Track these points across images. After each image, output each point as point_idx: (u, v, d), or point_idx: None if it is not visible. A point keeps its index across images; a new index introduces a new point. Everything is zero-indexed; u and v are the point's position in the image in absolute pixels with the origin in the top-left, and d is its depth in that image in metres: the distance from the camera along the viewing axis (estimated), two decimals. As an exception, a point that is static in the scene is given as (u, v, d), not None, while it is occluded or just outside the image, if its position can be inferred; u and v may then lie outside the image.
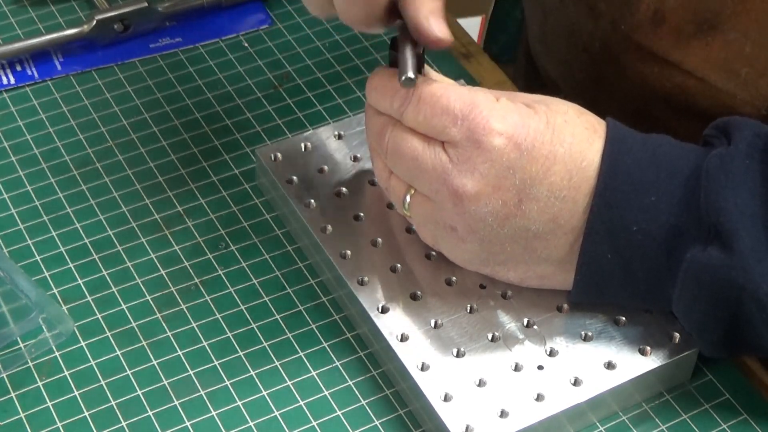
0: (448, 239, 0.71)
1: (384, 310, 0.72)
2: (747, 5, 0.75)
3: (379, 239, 0.76)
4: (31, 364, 0.72)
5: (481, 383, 0.69)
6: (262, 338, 0.74)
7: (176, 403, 0.71)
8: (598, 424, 0.71)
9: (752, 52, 0.76)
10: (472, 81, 0.89)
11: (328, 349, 0.74)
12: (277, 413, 0.71)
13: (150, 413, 0.70)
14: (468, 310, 0.73)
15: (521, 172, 0.68)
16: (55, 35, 0.90)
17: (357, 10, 0.69)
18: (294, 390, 0.72)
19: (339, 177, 0.79)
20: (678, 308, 0.69)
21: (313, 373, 0.72)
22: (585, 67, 0.88)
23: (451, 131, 0.68)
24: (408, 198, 0.72)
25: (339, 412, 0.71)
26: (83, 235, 0.79)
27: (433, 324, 0.72)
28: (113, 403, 0.71)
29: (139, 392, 0.71)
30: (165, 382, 0.72)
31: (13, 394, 0.71)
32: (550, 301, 0.73)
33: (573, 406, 0.69)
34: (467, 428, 0.67)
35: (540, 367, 0.70)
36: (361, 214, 0.77)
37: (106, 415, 0.70)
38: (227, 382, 0.72)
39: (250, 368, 0.72)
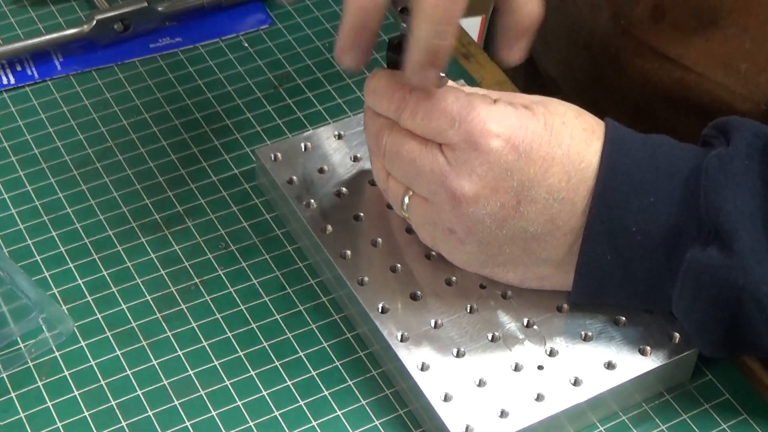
0: (447, 241, 0.71)
1: (384, 310, 0.72)
2: (747, 1, 0.75)
3: (379, 239, 0.76)
4: (31, 364, 0.72)
5: (481, 383, 0.69)
6: (262, 338, 0.74)
7: (176, 403, 0.71)
8: (598, 424, 0.71)
9: (752, 47, 0.76)
10: (472, 81, 0.89)
11: (328, 349, 0.74)
12: (277, 413, 0.71)
13: (150, 413, 0.70)
14: (468, 310, 0.73)
15: (519, 174, 0.68)
16: (55, 35, 0.90)
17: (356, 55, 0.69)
18: (294, 390, 0.72)
19: (339, 177, 0.79)
20: (678, 308, 0.69)
21: (313, 373, 0.72)
22: (585, 65, 0.88)
23: (449, 134, 0.68)
24: (406, 199, 0.72)
25: (339, 412, 0.71)
26: (83, 235, 0.79)
27: (433, 324, 0.72)
28: (113, 403, 0.71)
29: (139, 392, 0.71)
30: (165, 382, 0.72)
31: (13, 394, 0.71)
32: (550, 301, 0.73)
33: (573, 406, 0.69)
34: (467, 428, 0.67)
35: (540, 367, 0.70)
36: (361, 214, 0.77)
37: (106, 415, 0.70)
38: (227, 382, 0.72)
39: (250, 368, 0.72)
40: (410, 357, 0.70)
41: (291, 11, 0.94)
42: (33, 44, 0.89)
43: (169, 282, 0.77)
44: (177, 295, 0.76)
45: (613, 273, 0.69)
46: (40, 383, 0.72)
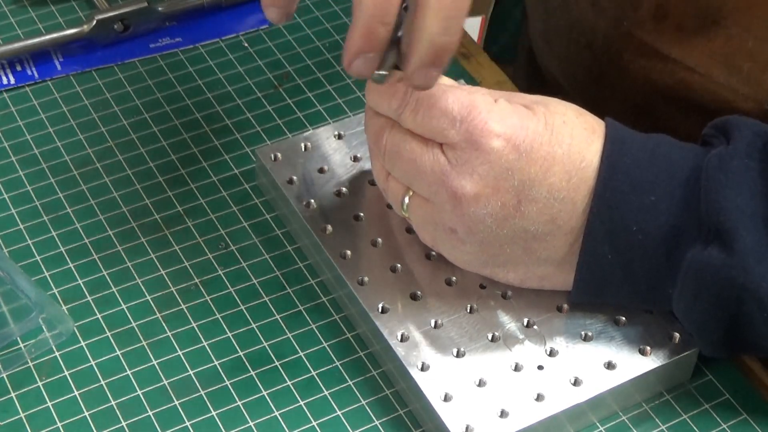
0: (448, 241, 0.71)
1: (384, 310, 0.72)
2: (749, 0, 0.75)
3: (379, 239, 0.76)
4: (31, 364, 0.72)
5: (481, 383, 0.69)
6: (262, 338, 0.74)
7: (176, 403, 0.71)
8: (598, 424, 0.71)
9: (755, 47, 0.76)
10: (472, 81, 0.89)
11: (328, 349, 0.74)
12: (277, 413, 0.71)
13: (150, 413, 0.70)
14: (468, 310, 0.73)
15: (520, 173, 0.68)
16: (55, 35, 0.90)
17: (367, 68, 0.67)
18: (294, 390, 0.72)
19: (339, 177, 0.79)
20: (678, 308, 0.69)
21: (313, 373, 0.72)
22: (587, 65, 0.88)
23: (450, 133, 0.68)
24: (406, 199, 0.72)
25: (339, 412, 0.71)
26: (83, 235, 0.79)
27: (433, 324, 0.72)
28: (113, 403, 0.71)
29: (139, 392, 0.71)
30: (165, 382, 0.72)
31: (13, 394, 0.71)
32: (550, 301, 0.73)
33: (573, 406, 0.69)
34: (467, 428, 0.67)
35: (540, 367, 0.70)
36: (361, 214, 0.77)
37: (106, 415, 0.70)
38: (227, 382, 0.72)
39: (250, 368, 0.72)
40: (410, 357, 0.70)
41: (291, 11, 0.94)
42: (33, 44, 0.89)
43: (169, 282, 0.77)
44: (177, 295, 0.76)
45: (614, 272, 0.69)
46: (40, 383, 0.72)
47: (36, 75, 0.89)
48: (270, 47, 0.92)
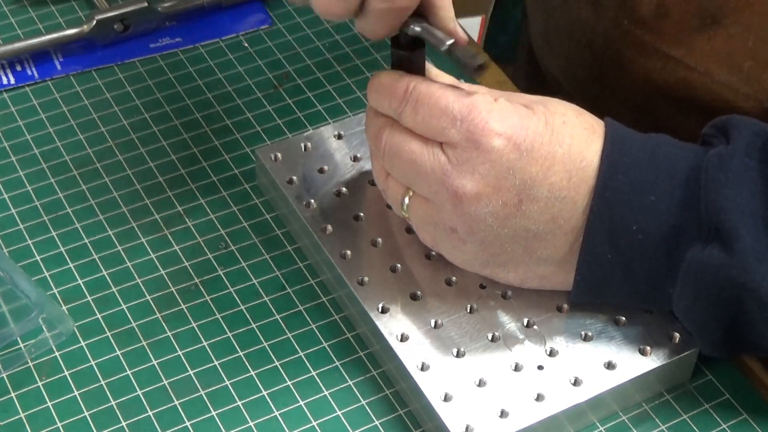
0: (449, 240, 0.71)
1: (384, 310, 0.72)
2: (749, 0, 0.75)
3: (379, 239, 0.76)
4: (31, 364, 0.72)
5: (481, 383, 0.69)
6: (262, 338, 0.74)
7: (176, 403, 0.71)
8: (598, 424, 0.71)
9: (755, 45, 0.76)
10: (472, 81, 0.89)
11: (328, 349, 0.74)
12: (277, 413, 0.71)
13: (150, 413, 0.70)
14: (468, 310, 0.73)
15: (521, 172, 0.68)
16: (55, 35, 0.90)
17: (385, 24, 0.69)
18: (294, 390, 0.72)
19: (339, 177, 0.79)
20: (678, 308, 0.69)
21: (313, 373, 0.72)
22: (588, 64, 0.88)
23: (450, 132, 0.68)
24: (406, 200, 0.72)
25: (339, 412, 0.71)
26: (83, 235, 0.79)
27: (433, 324, 0.72)
28: (113, 403, 0.71)
29: (139, 392, 0.71)
30: (165, 382, 0.72)
31: (13, 394, 0.71)
32: (550, 301, 0.73)
33: (573, 406, 0.69)
34: (467, 428, 0.67)
35: (540, 367, 0.70)
36: (361, 214, 0.77)
37: (106, 415, 0.70)
38: (227, 382, 0.72)
39: (250, 368, 0.72)
40: (410, 357, 0.70)
41: (291, 11, 0.94)
42: (33, 44, 0.89)
43: (169, 282, 0.77)
44: (177, 295, 0.76)
45: (614, 272, 0.69)
46: (40, 383, 0.72)
47: (36, 75, 0.89)
48: (270, 47, 0.92)
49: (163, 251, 0.78)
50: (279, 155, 0.80)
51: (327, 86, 0.89)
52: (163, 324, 0.74)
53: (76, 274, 0.77)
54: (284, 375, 0.72)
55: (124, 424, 0.70)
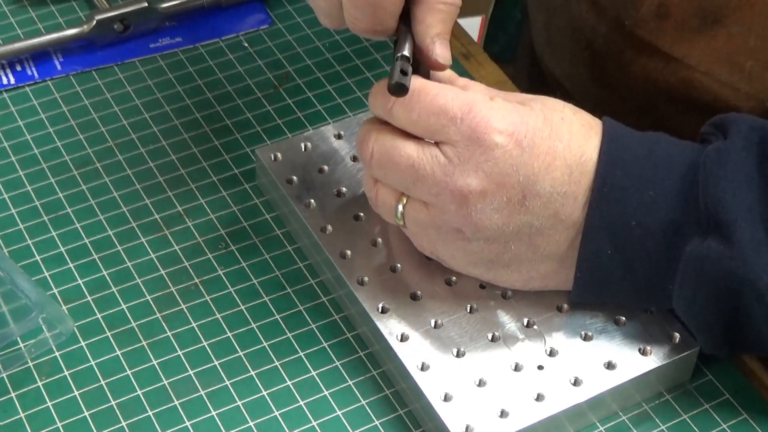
0: (453, 242, 0.71)
1: (384, 310, 0.72)
2: None
3: (379, 239, 0.76)
4: (31, 364, 0.72)
5: (481, 383, 0.69)
6: (262, 338, 0.74)
7: (176, 403, 0.71)
8: (598, 424, 0.71)
9: (756, 45, 0.76)
10: (470, 77, 0.88)
11: (328, 349, 0.74)
12: (277, 413, 0.71)
13: (150, 413, 0.70)
14: (468, 310, 0.73)
15: (524, 168, 0.68)
16: (55, 35, 0.90)
17: (366, 20, 0.69)
18: (294, 390, 0.72)
19: (339, 177, 0.79)
20: (678, 304, 0.69)
21: (313, 373, 0.72)
22: (589, 65, 0.88)
23: (450, 131, 0.68)
24: (400, 207, 0.72)
25: (339, 412, 0.71)
26: (83, 235, 0.79)
27: (433, 324, 0.72)
28: (113, 403, 0.71)
29: (139, 392, 0.71)
30: (165, 382, 0.72)
31: (13, 394, 0.71)
32: (550, 301, 0.73)
33: (573, 406, 0.69)
34: (467, 428, 0.67)
35: (540, 367, 0.70)
36: (361, 214, 0.77)
37: (106, 415, 0.70)
38: (227, 382, 0.72)
39: (250, 368, 0.72)
40: (410, 357, 0.70)
41: (291, 11, 0.94)
42: (33, 44, 0.89)
43: (169, 282, 0.77)
44: (177, 295, 0.76)
45: (614, 269, 0.69)
46: (40, 383, 0.72)
47: (36, 75, 0.89)
48: (270, 47, 0.92)
49: (163, 251, 0.78)
50: (279, 155, 0.80)
51: (327, 86, 0.89)
52: (163, 324, 0.74)
53: (76, 274, 0.77)
54: (284, 375, 0.72)
55: (124, 424, 0.70)
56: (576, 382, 0.69)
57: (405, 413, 0.71)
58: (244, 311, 0.75)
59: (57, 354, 0.73)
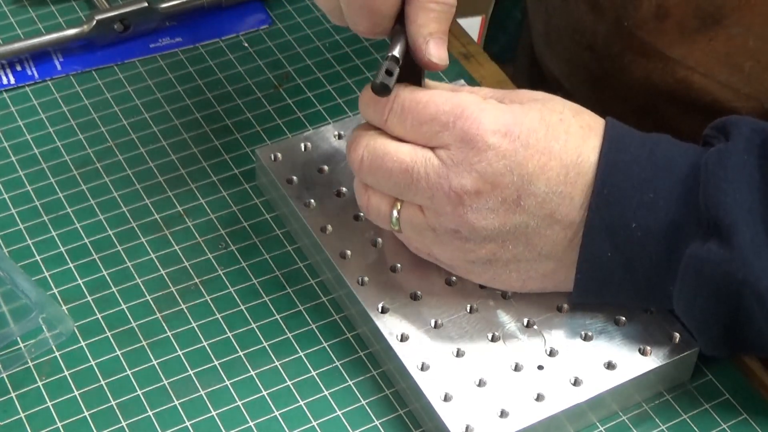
0: (449, 243, 0.71)
1: (384, 310, 0.72)
2: (749, 0, 0.75)
3: (379, 239, 0.76)
4: (31, 364, 0.72)
5: (481, 383, 0.69)
6: (262, 338, 0.74)
7: (176, 403, 0.71)
8: (598, 424, 0.71)
9: (756, 45, 0.76)
10: (472, 81, 0.89)
11: (328, 349, 0.74)
12: (277, 413, 0.71)
13: (150, 413, 0.70)
14: (468, 310, 0.73)
15: (519, 168, 0.68)
16: (55, 35, 0.90)
17: (364, 23, 0.69)
18: (294, 390, 0.72)
19: (339, 177, 0.79)
20: (678, 305, 0.69)
21: (313, 373, 0.72)
22: (588, 65, 0.88)
23: (443, 135, 0.68)
24: (395, 213, 0.72)
25: (339, 412, 0.71)
26: (83, 235, 0.79)
27: (433, 324, 0.72)
28: (113, 403, 0.71)
29: (139, 392, 0.71)
30: (165, 382, 0.72)
31: (13, 394, 0.71)
32: (550, 301, 0.73)
33: (573, 406, 0.69)
34: (467, 428, 0.67)
35: (540, 367, 0.70)
36: (361, 214, 0.77)
37: (106, 415, 0.70)
38: (227, 382, 0.72)
39: (250, 368, 0.72)
40: (410, 357, 0.70)
41: (291, 11, 0.94)
42: (33, 44, 0.89)
43: (169, 282, 0.77)
44: (177, 295, 0.76)
45: (614, 271, 0.69)
46: (40, 383, 0.72)
47: (36, 75, 0.89)
48: (270, 47, 0.92)
49: (163, 251, 0.78)
50: (279, 155, 0.80)
51: (327, 86, 0.89)
52: (163, 324, 0.74)
53: (76, 274, 0.77)
54: (284, 375, 0.72)
55: (124, 424, 0.70)
56: (576, 382, 0.69)
57: (405, 413, 0.71)
58: (244, 311, 0.75)
59: (57, 354, 0.73)
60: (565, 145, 0.69)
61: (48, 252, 0.78)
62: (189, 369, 0.72)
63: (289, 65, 0.90)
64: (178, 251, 0.78)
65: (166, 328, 0.74)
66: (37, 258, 0.77)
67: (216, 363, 0.73)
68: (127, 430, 0.70)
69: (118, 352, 0.73)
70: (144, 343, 0.73)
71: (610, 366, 0.70)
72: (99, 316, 0.75)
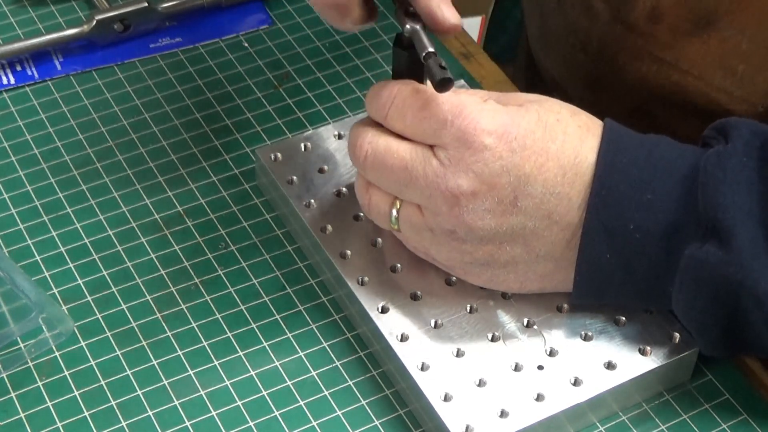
0: (447, 244, 0.71)
1: (384, 310, 0.72)
2: (743, 2, 0.75)
3: (379, 239, 0.76)
4: (31, 364, 0.72)
5: (481, 383, 0.69)
6: (262, 338, 0.74)
7: (176, 403, 0.71)
8: (598, 424, 0.71)
9: (749, 48, 0.76)
10: (472, 81, 0.89)
11: (328, 349, 0.74)
12: (277, 413, 0.71)
13: (150, 413, 0.70)
14: (468, 310, 0.73)
15: (515, 169, 0.68)
16: (55, 35, 0.90)
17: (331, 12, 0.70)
18: (294, 390, 0.72)
19: (339, 177, 0.79)
20: (677, 306, 0.69)
21: (313, 373, 0.72)
22: (584, 67, 0.88)
23: (441, 134, 0.68)
24: (394, 211, 0.72)
25: (339, 412, 0.71)
26: (83, 235, 0.79)
27: (433, 324, 0.72)
28: (113, 403, 0.71)
29: (139, 392, 0.71)
30: (165, 382, 0.72)
31: (13, 394, 0.71)
32: (550, 301, 0.73)
33: (573, 406, 0.69)
34: (467, 428, 0.67)
35: (540, 367, 0.70)
36: (361, 214, 0.77)
37: (106, 415, 0.70)
38: (227, 382, 0.72)
39: (250, 368, 0.72)
40: (410, 357, 0.70)
41: (291, 11, 0.94)
42: (33, 44, 0.89)
43: (169, 282, 0.77)
44: (177, 295, 0.76)
45: (613, 273, 0.69)
46: (40, 383, 0.72)
47: (36, 75, 0.89)
48: (270, 47, 0.92)
49: (163, 251, 0.78)
50: (279, 155, 0.80)
51: (327, 86, 0.89)
52: (163, 324, 0.74)
53: (76, 274, 0.77)
54: (284, 375, 0.72)
55: (124, 424, 0.70)
56: (576, 382, 0.69)
57: (405, 413, 0.71)
58: (244, 311, 0.75)
59: (57, 354, 0.73)
60: (562, 145, 0.69)
61: (48, 252, 0.78)
62: (189, 369, 0.72)
63: (289, 65, 0.90)
64: (178, 251, 0.78)
65: (166, 328, 0.74)
66: (37, 258, 0.77)
67: (216, 363, 0.73)
68: (127, 430, 0.70)
69: (118, 352, 0.73)
70: (144, 343, 0.73)
71: (610, 366, 0.70)
72: (99, 316, 0.75)
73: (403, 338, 0.71)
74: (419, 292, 0.73)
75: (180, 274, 0.77)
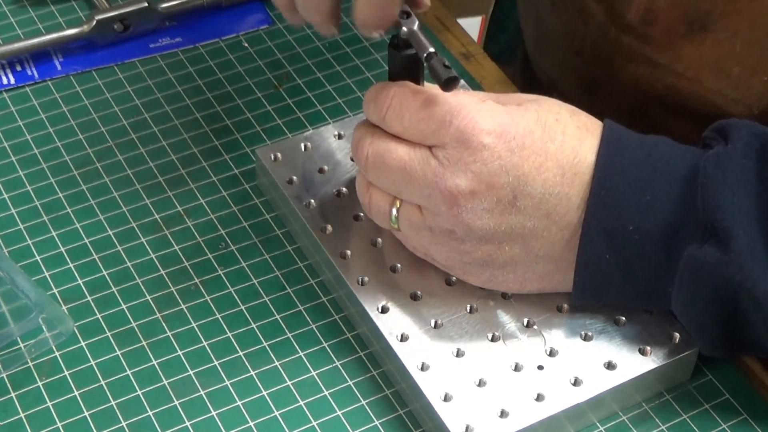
0: (446, 243, 0.71)
1: (384, 310, 0.72)
2: (737, 5, 0.75)
3: (379, 239, 0.76)
4: (31, 364, 0.72)
5: (481, 383, 0.69)
6: (262, 338, 0.74)
7: (176, 403, 0.71)
8: (598, 424, 0.71)
9: (743, 51, 0.76)
10: (472, 81, 0.89)
11: (328, 349, 0.74)
12: (277, 413, 0.71)
13: (150, 413, 0.70)
14: (468, 310, 0.73)
15: (514, 169, 0.68)
16: (55, 35, 0.90)
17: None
18: (294, 390, 0.72)
19: (339, 177, 0.79)
20: (677, 307, 0.69)
21: (313, 373, 0.72)
22: (579, 70, 0.88)
23: (440, 134, 0.68)
24: (394, 211, 0.72)
25: (339, 412, 0.71)
26: (83, 235, 0.79)
27: (433, 324, 0.72)
28: (113, 403, 0.71)
29: (139, 392, 0.71)
30: (165, 382, 0.72)
31: (13, 394, 0.71)
32: (550, 301, 0.73)
33: (573, 406, 0.69)
34: (467, 428, 0.67)
35: (540, 367, 0.70)
36: (361, 214, 0.77)
37: (106, 415, 0.70)
38: (227, 382, 0.72)
39: (250, 368, 0.72)
40: (410, 357, 0.70)
41: (291, 11, 0.94)
42: (33, 44, 0.89)
43: (169, 282, 0.77)
44: (177, 295, 0.76)
45: (613, 273, 0.69)
46: (40, 383, 0.72)
47: (36, 75, 0.89)
48: (270, 47, 0.92)
49: (163, 251, 0.78)
50: (279, 155, 0.80)
51: (327, 86, 0.89)
52: (163, 324, 0.74)
53: (76, 274, 0.77)
54: (284, 375, 0.72)
55: (124, 424, 0.70)
56: (576, 382, 0.69)
57: (405, 413, 0.71)
58: (244, 311, 0.75)
59: (57, 354, 0.73)
60: (561, 145, 0.69)
61: (48, 252, 0.78)
62: (189, 369, 0.72)
63: (289, 65, 0.90)
64: (178, 251, 0.78)
65: (166, 328, 0.74)
66: (37, 258, 0.77)
67: (216, 363, 0.73)
68: (127, 430, 0.70)
69: (118, 352, 0.73)
70: (144, 343, 0.73)
71: (610, 366, 0.70)
72: (99, 316, 0.75)
73: (403, 338, 0.71)
74: (419, 292, 0.73)
75: (180, 274, 0.77)
